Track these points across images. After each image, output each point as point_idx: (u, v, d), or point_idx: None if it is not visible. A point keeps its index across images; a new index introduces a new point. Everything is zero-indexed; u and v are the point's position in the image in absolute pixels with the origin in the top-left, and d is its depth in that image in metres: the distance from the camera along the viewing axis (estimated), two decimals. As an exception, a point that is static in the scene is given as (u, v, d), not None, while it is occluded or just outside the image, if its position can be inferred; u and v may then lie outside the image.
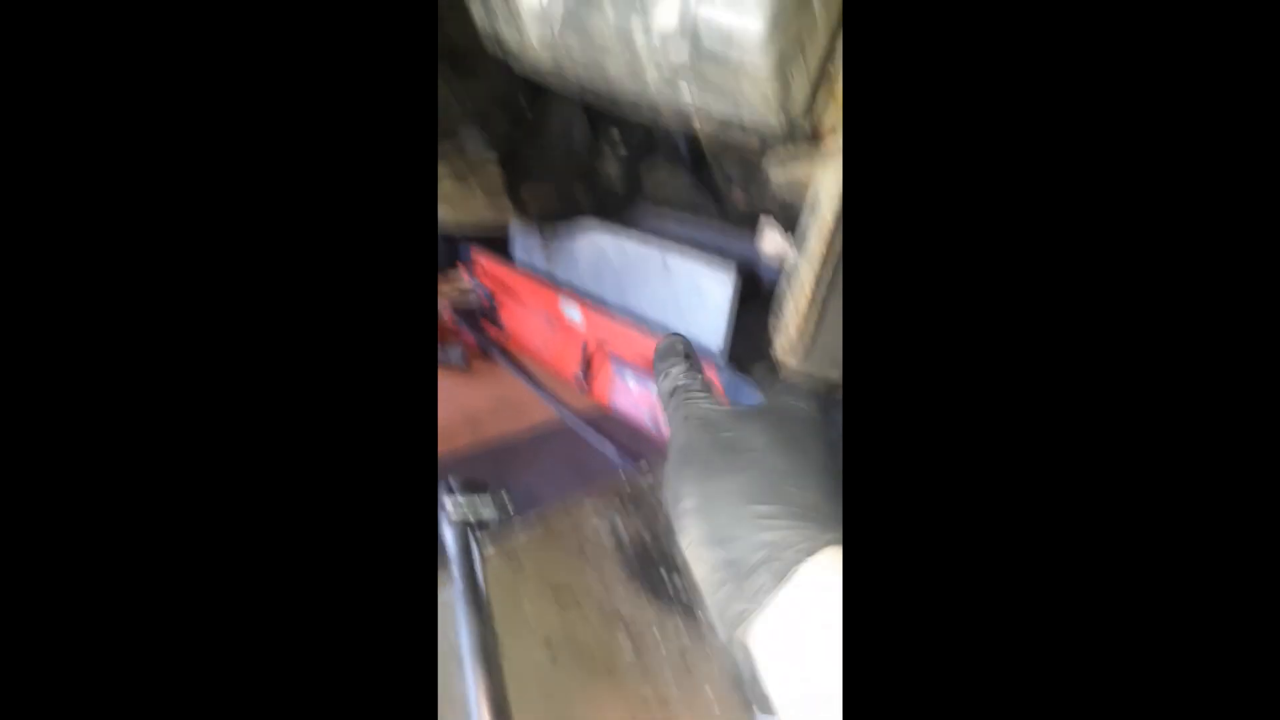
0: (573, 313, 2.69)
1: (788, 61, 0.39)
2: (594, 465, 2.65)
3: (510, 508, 1.21)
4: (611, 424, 2.74)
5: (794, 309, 0.53)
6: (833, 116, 0.60)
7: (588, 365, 2.63)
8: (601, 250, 2.59)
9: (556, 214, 1.02)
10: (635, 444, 2.53)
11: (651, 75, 0.42)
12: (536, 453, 2.82)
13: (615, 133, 1.41)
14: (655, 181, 1.76)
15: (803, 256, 0.51)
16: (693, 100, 0.42)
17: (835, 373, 0.62)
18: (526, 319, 3.00)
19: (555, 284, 2.76)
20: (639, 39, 0.42)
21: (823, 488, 0.45)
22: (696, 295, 2.32)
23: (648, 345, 2.42)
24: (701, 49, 0.39)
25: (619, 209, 1.40)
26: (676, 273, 2.35)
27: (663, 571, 1.02)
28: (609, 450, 2.47)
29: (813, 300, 0.53)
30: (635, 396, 2.55)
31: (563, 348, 2.82)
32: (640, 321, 2.45)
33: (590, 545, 1.06)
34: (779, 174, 0.65)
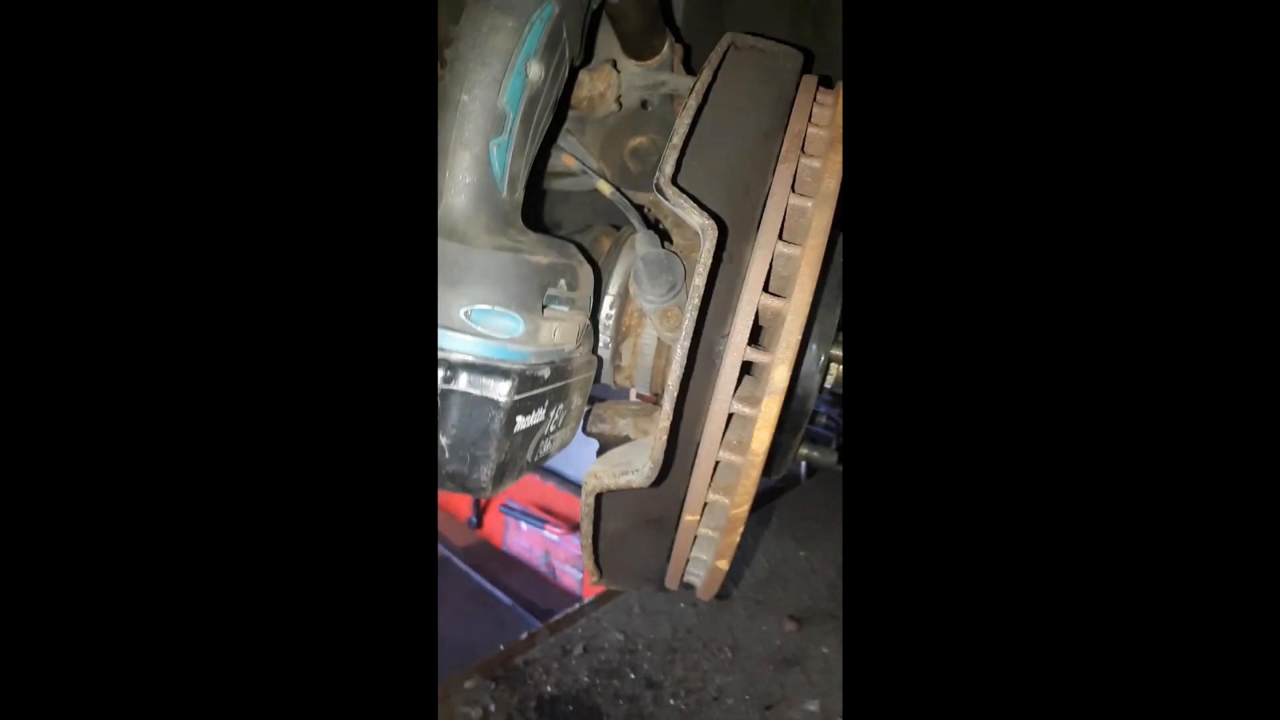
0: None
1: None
2: (489, 604, 2.63)
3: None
4: (504, 565, 2.74)
5: None
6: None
7: (481, 511, 2.65)
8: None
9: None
10: (528, 589, 2.54)
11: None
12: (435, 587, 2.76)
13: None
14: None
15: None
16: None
17: None
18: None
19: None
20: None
21: None
22: (589, 445, 2.47)
23: (540, 490, 2.50)
24: None
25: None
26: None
27: (531, 759, 1.07)
28: (500, 595, 2.47)
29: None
30: (528, 539, 2.58)
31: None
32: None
33: (461, 737, 1.10)
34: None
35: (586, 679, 1.25)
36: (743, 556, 1.72)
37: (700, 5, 0.93)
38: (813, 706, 1.22)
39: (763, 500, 2.04)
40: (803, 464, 2.31)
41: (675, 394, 0.52)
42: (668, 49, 0.78)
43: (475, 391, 0.47)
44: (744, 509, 0.55)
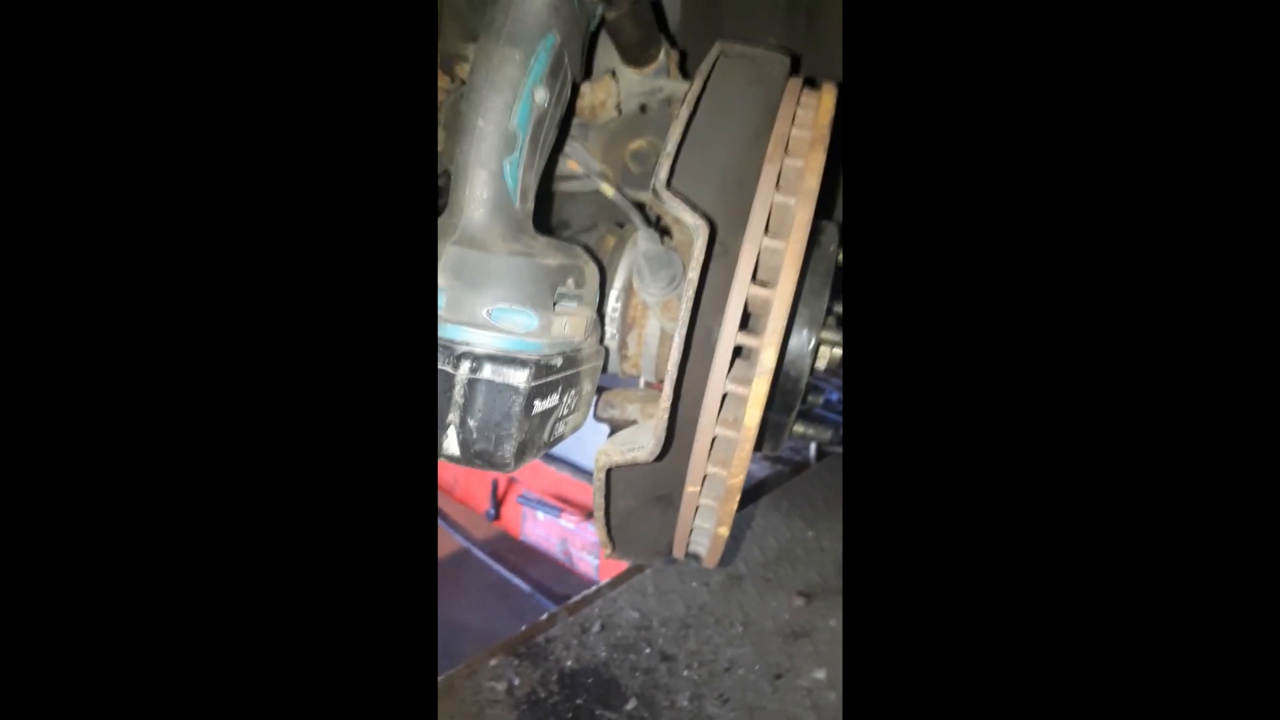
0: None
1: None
2: (510, 593, 2.72)
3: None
4: (523, 554, 2.82)
5: None
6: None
7: (499, 503, 2.73)
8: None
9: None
10: (546, 577, 2.62)
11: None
12: (456, 578, 2.87)
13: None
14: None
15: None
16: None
17: None
18: (437, 455, 3.08)
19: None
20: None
21: None
22: (600, 431, 2.54)
23: (555, 479, 2.57)
24: None
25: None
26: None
27: (553, 723, 1.15)
28: (520, 583, 2.56)
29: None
30: (545, 528, 2.66)
31: (472, 483, 2.91)
32: (547, 457, 2.61)
33: (489, 708, 1.17)
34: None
35: (604, 654, 1.31)
36: (754, 538, 1.77)
37: (697, 3, 0.98)
38: (820, 675, 1.28)
39: (773, 484, 2.10)
40: (811, 448, 2.36)
41: (675, 377, 0.57)
42: (663, 55, 0.83)
43: (498, 380, 0.54)
44: (739, 479, 0.60)
